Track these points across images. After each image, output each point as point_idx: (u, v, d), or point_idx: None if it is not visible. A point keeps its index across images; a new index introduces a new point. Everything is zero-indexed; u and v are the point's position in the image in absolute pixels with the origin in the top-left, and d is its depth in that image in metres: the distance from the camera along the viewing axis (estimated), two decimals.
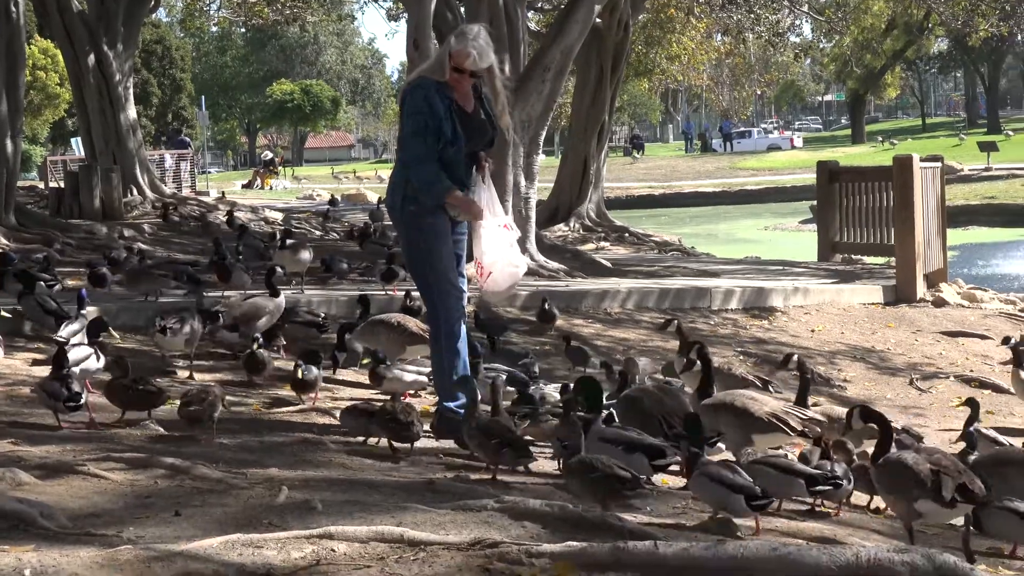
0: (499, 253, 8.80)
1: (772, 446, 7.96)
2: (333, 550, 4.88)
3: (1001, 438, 10.04)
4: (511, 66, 18.30)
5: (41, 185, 40.37)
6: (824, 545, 5.01)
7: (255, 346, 10.46)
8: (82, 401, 8.31)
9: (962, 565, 4.74)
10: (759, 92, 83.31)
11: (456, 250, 9.00)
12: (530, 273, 17.93)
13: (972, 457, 8.13)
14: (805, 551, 4.77)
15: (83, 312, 11.25)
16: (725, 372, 10.49)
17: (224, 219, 25.11)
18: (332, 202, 33.26)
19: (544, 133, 19.61)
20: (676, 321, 11.93)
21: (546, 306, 13.82)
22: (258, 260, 16.90)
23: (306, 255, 15.35)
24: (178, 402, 8.95)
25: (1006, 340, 12.63)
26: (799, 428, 7.90)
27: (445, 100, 8.72)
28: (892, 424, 6.99)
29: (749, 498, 6.33)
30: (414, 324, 10.68)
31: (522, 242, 18.20)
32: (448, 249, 8.90)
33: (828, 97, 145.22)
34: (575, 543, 5.06)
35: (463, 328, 9.10)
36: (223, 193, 41.56)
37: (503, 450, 7.47)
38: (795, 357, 9.21)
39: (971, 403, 10.30)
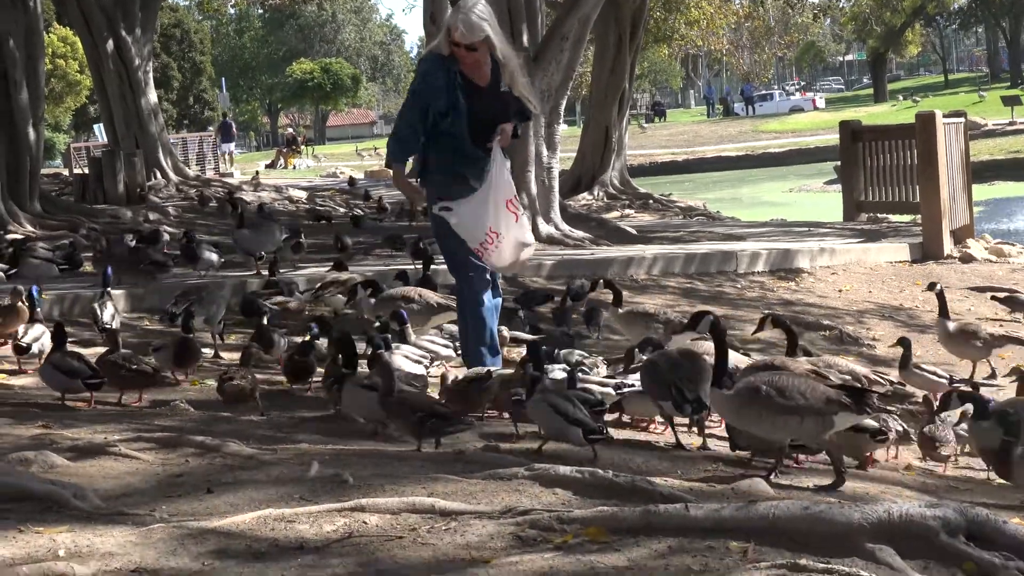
0: (506, 226, 8.78)
1: None
2: (365, 522, 4.90)
3: (941, 371, 10.09)
4: (528, 36, 18.28)
5: (65, 172, 40.50)
6: (855, 502, 5.00)
7: (265, 321, 10.38)
8: (104, 379, 8.34)
9: (994, 518, 4.72)
10: (779, 54, 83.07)
11: None
12: (555, 242, 17.97)
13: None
14: (836, 509, 4.76)
15: (108, 290, 11.34)
16: (638, 312, 10.79)
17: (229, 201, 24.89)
18: (351, 182, 32.82)
19: (564, 102, 19.57)
20: (600, 279, 11.91)
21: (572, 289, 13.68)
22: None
23: (276, 235, 15.24)
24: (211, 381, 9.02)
25: (931, 286, 12.50)
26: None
27: (449, 73, 8.75)
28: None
29: (587, 432, 6.73)
30: (431, 296, 10.68)
31: (546, 212, 18.33)
32: None
33: (849, 57, 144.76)
34: (606, 508, 5.06)
35: (491, 298, 9.12)
36: (256, 173, 41.50)
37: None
38: (769, 318, 9.21)
39: (903, 342, 10.38)
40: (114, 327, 10.82)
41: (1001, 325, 13.90)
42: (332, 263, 13.58)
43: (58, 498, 5.23)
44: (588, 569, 4.37)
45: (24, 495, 5.27)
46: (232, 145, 64.87)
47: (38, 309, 9.99)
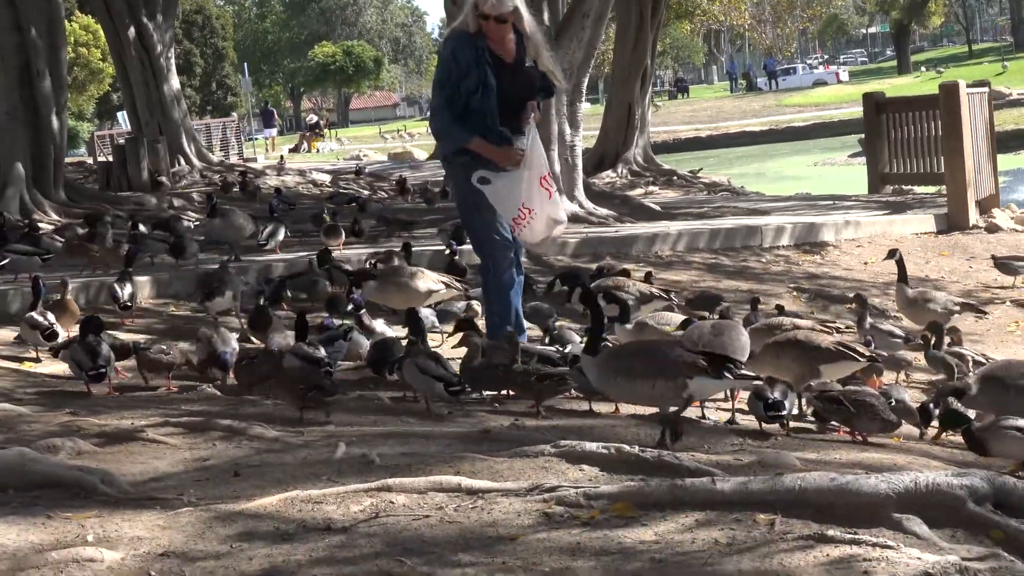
0: (539, 203, 8.78)
1: (840, 375, 7.99)
2: (392, 502, 4.91)
3: (898, 331, 10.08)
4: (549, 14, 18.25)
5: (89, 160, 40.56)
6: (882, 473, 4.99)
7: (261, 301, 10.30)
8: (105, 370, 8.32)
9: (1021, 486, 4.71)
10: (802, 28, 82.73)
11: None
12: (580, 220, 17.94)
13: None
14: (863, 480, 4.75)
15: (130, 269, 11.48)
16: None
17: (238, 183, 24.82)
18: (358, 172, 31.78)
19: (586, 80, 19.51)
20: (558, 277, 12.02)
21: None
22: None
23: (242, 223, 15.11)
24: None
25: (891, 253, 12.43)
26: (867, 354, 7.97)
27: (475, 50, 8.71)
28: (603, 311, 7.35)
29: (448, 385, 7.62)
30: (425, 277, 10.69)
31: (570, 190, 18.30)
32: None
33: (872, 29, 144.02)
34: (632, 483, 5.07)
35: (516, 277, 9.12)
36: (282, 157, 41.41)
37: None
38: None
39: (858, 299, 10.38)
40: (131, 305, 11.00)
41: None
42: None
43: (86, 484, 5.26)
44: (615, 545, 4.38)
45: (53, 481, 5.31)
46: (274, 131, 66.64)
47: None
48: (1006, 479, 4.70)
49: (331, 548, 4.41)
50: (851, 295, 13.39)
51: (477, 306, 10.36)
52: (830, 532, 4.32)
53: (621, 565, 4.17)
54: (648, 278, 12.23)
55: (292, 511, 4.83)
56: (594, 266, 13.19)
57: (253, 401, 7.87)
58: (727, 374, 6.52)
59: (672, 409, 6.62)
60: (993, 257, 14.92)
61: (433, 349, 8.38)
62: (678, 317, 9.36)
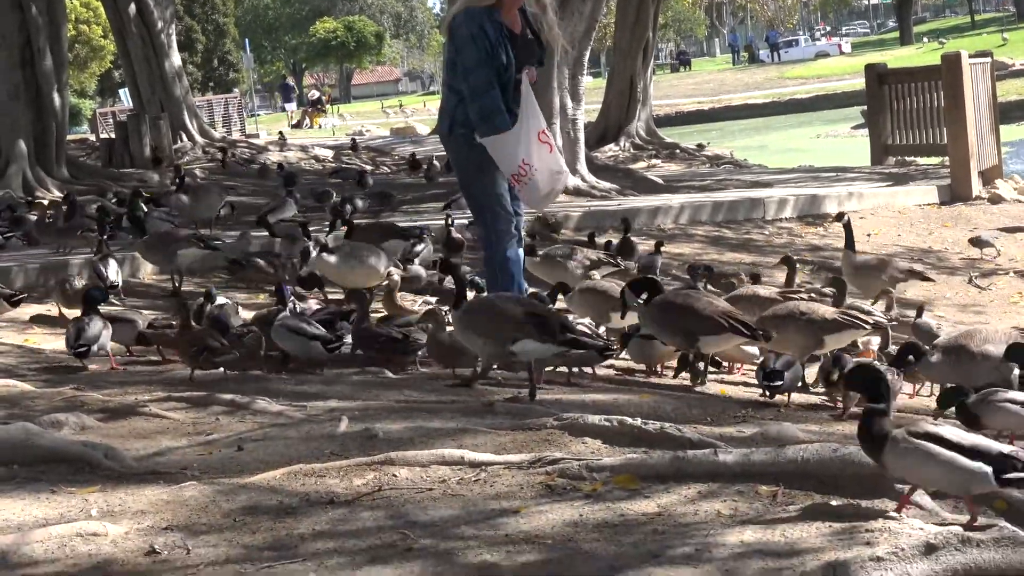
0: (539, 157, 8.72)
1: (844, 344, 7.99)
2: (395, 475, 4.92)
3: (827, 291, 10.12)
4: None
5: (92, 137, 40.52)
6: None
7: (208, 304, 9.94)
8: (84, 348, 8.25)
9: (1023, 455, 4.71)
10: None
11: None
12: (582, 194, 17.92)
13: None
14: None
15: (104, 239, 11.57)
16: (553, 255, 11.20)
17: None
18: (353, 147, 31.40)
19: (588, 53, 19.44)
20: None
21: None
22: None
23: (215, 201, 15.04)
24: None
25: (839, 217, 12.37)
26: (872, 322, 7.98)
27: (496, 25, 8.67)
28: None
29: (325, 343, 7.84)
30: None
31: (572, 163, 18.27)
32: (499, 171, 8.85)
33: (875, 0, 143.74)
34: (635, 455, 5.08)
35: (518, 251, 9.10)
36: (281, 133, 41.38)
37: None
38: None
39: (787, 261, 10.42)
40: (118, 283, 10.97)
41: None
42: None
43: (90, 459, 5.27)
44: (618, 516, 4.39)
45: (57, 456, 5.32)
46: (293, 104, 67.60)
47: None
48: (1003, 446, 4.69)
49: (334, 521, 4.42)
50: None
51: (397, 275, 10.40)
52: (832, 503, 4.33)
53: (624, 537, 4.18)
54: (658, 247, 12.33)
55: (295, 485, 4.84)
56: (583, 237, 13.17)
57: (256, 376, 7.87)
58: (548, 337, 6.72)
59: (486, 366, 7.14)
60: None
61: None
62: (610, 284, 9.37)
